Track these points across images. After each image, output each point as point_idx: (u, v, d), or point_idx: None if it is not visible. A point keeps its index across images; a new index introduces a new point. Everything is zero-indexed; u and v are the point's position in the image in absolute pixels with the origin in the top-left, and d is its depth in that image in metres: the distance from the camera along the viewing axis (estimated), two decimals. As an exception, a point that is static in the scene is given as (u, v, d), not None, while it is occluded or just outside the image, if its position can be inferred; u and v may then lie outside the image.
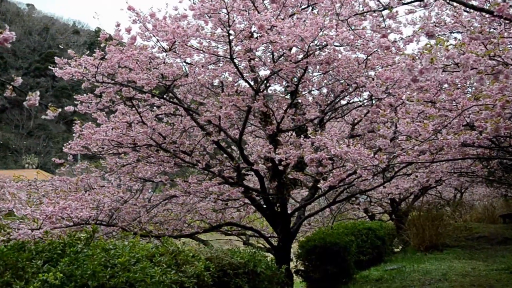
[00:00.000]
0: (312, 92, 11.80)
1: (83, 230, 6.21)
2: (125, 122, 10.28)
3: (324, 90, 12.12)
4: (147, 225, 11.32)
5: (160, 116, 12.08)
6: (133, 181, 11.39)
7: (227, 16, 8.66)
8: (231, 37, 9.17)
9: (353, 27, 8.55)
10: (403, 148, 7.93)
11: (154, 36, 9.98)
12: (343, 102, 12.71)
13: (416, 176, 14.71)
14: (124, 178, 11.04)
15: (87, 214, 9.33)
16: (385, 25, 6.83)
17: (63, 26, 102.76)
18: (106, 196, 10.19)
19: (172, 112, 11.83)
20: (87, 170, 11.59)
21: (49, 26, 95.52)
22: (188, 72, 10.19)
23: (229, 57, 9.42)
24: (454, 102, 7.39)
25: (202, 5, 8.43)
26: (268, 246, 13.52)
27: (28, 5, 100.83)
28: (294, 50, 10.38)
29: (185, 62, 10.55)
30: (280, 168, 10.11)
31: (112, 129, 10.21)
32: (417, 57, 4.43)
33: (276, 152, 9.67)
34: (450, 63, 4.46)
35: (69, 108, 11.55)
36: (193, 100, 11.84)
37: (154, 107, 11.89)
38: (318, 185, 9.26)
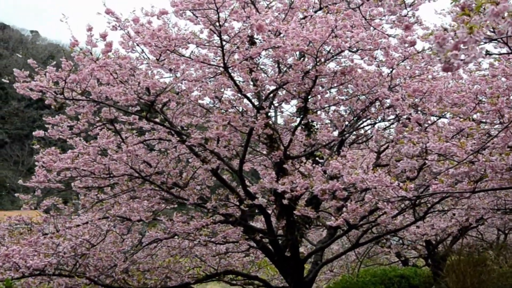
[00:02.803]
0: (327, 110, 10.67)
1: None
2: (96, 147, 9.22)
3: (342, 109, 10.98)
4: (125, 275, 10.10)
5: (152, 142, 11.06)
6: (103, 220, 10.18)
7: (217, 13, 7.66)
8: (224, 41, 8.15)
9: (368, 21, 7.45)
10: (435, 176, 6.73)
11: (138, 45, 9.05)
12: (365, 125, 11.58)
13: (454, 214, 13.50)
14: (93, 216, 9.89)
15: (39, 262, 8.17)
16: (407, 11, 5.74)
17: (70, 54, 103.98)
18: (68, 239, 9.01)
19: (164, 137, 10.71)
20: (54, 207, 10.48)
21: (54, 54, 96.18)
22: (174, 85, 9.14)
23: (222, 66, 8.39)
24: (499, 115, 6.25)
25: (184, -1, 7.43)
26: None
27: (32, 31, 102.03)
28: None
29: (176, 76, 9.56)
30: (285, 202, 8.92)
31: (78, 155, 9.14)
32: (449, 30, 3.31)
33: (280, 181, 8.51)
34: (496, 35, 3.35)
35: (38, 133, 10.65)
36: (191, 124, 10.79)
37: (145, 133, 10.87)
38: (328, 223, 8.03)
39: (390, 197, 7.12)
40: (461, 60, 3.30)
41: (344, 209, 7.63)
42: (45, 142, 11.47)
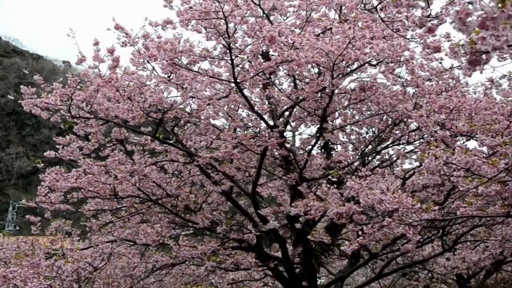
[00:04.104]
0: (346, 130, 10.04)
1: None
2: (100, 166, 8.75)
3: (363, 130, 10.35)
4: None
5: (165, 165, 10.56)
6: (108, 243, 9.63)
7: (224, 23, 7.15)
8: (234, 55, 7.64)
9: (387, 25, 6.87)
10: (460, 195, 6.04)
11: (148, 62, 8.61)
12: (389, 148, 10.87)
13: (487, 246, 12.64)
14: (96, 239, 9.38)
15: (38, 285, 7.66)
16: (430, 10, 5.15)
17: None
18: (71, 262, 8.50)
19: (175, 159, 10.18)
20: (62, 230, 10.00)
21: (84, 83, 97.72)
22: (183, 102, 8.64)
23: (232, 81, 7.88)
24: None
25: (190, 7, 6.96)
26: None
27: (64, 62, 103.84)
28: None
29: (192, 97, 9.07)
30: (298, 226, 8.26)
31: (81, 174, 8.66)
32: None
33: (293, 204, 7.86)
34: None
35: (49, 154, 10.25)
36: (206, 147, 10.28)
37: (159, 155, 10.39)
38: (343, 248, 7.32)
39: (412, 220, 6.43)
40: (490, 46, 2.69)
41: (360, 232, 6.94)
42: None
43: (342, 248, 7.22)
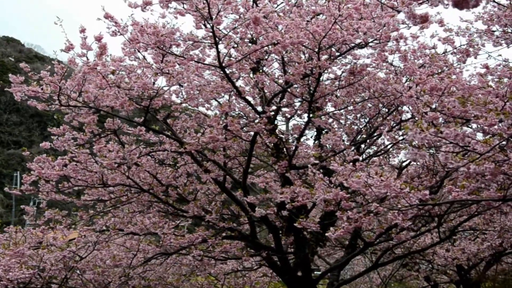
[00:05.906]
0: (337, 117, 9.40)
1: None
2: (86, 153, 8.20)
3: (355, 118, 9.69)
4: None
5: (161, 156, 10.01)
6: (92, 231, 9.05)
7: (206, 4, 6.56)
8: (218, 39, 7.05)
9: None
10: (454, 182, 5.41)
11: (138, 51, 8.05)
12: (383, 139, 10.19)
13: (486, 237, 12.01)
14: (81, 228, 8.82)
15: (20, 274, 7.13)
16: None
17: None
18: (54, 251, 7.96)
19: (169, 149, 9.63)
20: (53, 220, 9.47)
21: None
22: (167, 87, 8.07)
23: (218, 66, 7.28)
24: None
25: (169, -14, 6.37)
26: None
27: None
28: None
29: (179, 84, 8.52)
30: (284, 213, 7.63)
31: (69, 161, 8.11)
32: None
33: (279, 191, 7.25)
34: None
35: (45, 145, 9.77)
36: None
37: (154, 145, 9.86)
38: (327, 234, 6.67)
39: (402, 206, 5.81)
40: None
41: (345, 218, 6.28)
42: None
43: (326, 234, 6.57)
